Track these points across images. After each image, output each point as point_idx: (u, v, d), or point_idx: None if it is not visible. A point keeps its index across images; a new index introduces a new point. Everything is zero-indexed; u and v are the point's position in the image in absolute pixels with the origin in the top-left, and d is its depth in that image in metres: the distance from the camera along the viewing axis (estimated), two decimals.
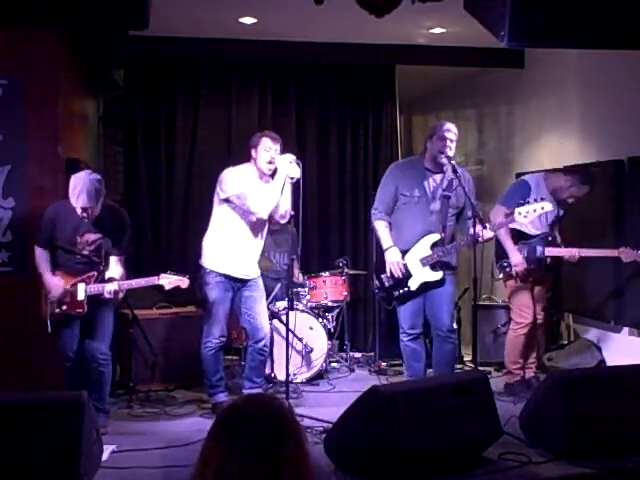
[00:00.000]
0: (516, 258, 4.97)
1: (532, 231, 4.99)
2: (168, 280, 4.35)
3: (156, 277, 4.36)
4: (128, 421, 4.67)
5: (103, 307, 4.38)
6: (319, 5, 3.34)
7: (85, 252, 4.34)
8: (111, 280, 4.34)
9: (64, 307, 4.31)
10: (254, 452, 1.48)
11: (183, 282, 4.38)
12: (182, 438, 4.14)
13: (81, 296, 4.29)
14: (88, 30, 4.94)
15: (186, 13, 5.51)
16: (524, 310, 5.12)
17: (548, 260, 5.10)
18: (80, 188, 4.13)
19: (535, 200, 4.52)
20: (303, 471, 1.51)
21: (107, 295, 4.27)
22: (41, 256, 4.36)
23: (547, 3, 3.26)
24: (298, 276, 5.90)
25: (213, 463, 1.48)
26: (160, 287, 4.41)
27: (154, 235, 6.57)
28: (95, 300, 4.31)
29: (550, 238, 5.06)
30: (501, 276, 5.17)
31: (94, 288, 4.30)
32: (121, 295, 4.38)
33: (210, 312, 4.69)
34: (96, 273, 4.33)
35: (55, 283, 4.29)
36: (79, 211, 4.20)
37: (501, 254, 5.10)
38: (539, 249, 4.99)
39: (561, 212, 5.11)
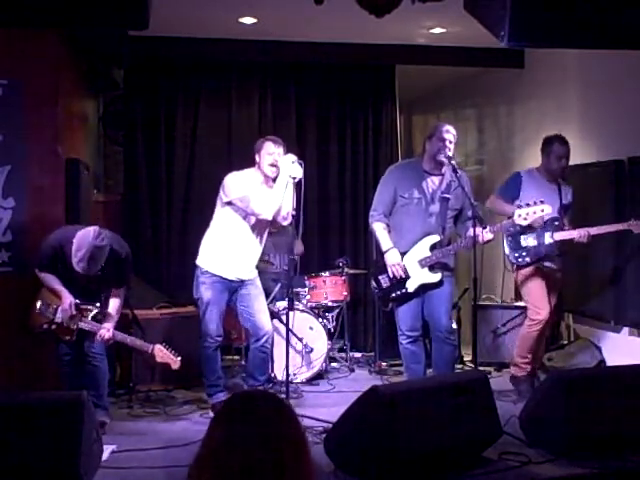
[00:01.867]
0: (511, 208, 4.86)
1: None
2: (161, 354, 4.37)
3: (151, 346, 4.38)
4: (128, 421, 4.66)
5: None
6: (319, 5, 3.34)
7: (83, 283, 4.30)
8: (107, 317, 4.33)
9: (54, 327, 4.29)
10: (252, 442, 1.48)
11: (174, 363, 4.39)
12: (182, 438, 4.14)
13: (74, 326, 4.28)
14: (88, 30, 4.94)
15: (186, 13, 5.51)
16: (538, 307, 5.05)
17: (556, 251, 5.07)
18: (83, 253, 3.99)
19: (535, 203, 4.55)
20: (303, 468, 1.51)
21: (99, 338, 4.26)
22: (48, 277, 4.32)
23: (547, 3, 3.26)
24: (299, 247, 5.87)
25: (212, 447, 1.49)
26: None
27: (154, 235, 6.57)
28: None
29: (557, 222, 5.02)
30: (514, 267, 5.14)
31: (88, 325, 4.28)
32: (111, 342, 4.36)
33: (205, 312, 4.69)
34: (93, 309, 4.32)
35: (67, 301, 4.24)
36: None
37: (511, 246, 5.08)
38: (548, 234, 4.97)
39: (569, 197, 5.11)
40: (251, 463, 1.45)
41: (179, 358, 4.40)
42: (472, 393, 3.75)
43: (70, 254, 4.07)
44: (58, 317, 4.28)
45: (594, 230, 4.87)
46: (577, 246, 5.02)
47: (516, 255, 5.05)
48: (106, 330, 4.26)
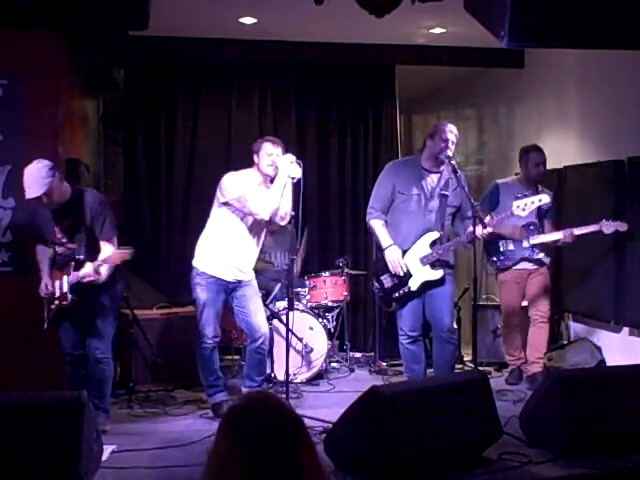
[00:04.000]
0: (506, 228, 5.14)
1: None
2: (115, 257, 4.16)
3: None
4: (128, 421, 4.66)
5: (102, 305, 4.37)
6: (319, 5, 3.35)
7: (64, 240, 4.29)
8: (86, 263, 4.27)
9: (56, 302, 4.30)
10: (270, 455, 1.47)
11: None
12: (182, 438, 4.13)
13: (65, 288, 4.26)
14: (88, 30, 4.94)
15: (186, 13, 5.51)
16: (507, 313, 5.45)
17: (540, 255, 5.28)
18: (29, 181, 4.09)
19: (532, 193, 4.68)
20: (313, 464, 1.51)
21: (87, 279, 4.17)
22: (39, 254, 4.39)
23: (547, 3, 3.27)
24: (298, 271, 5.92)
25: (237, 471, 1.47)
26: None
27: (154, 235, 6.57)
28: (93, 296, 4.31)
29: (532, 227, 5.26)
30: (494, 271, 5.50)
31: (73, 277, 4.26)
32: (105, 273, 4.22)
33: (202, 313, 4.67)
34: (73, 263, 4.29)
35: (43, 283, 4.30)
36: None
37: (490, 251, 5.39)
38: (524, 238, 5.23)
39: (548, 202, 5.14)
40: (267, 466, 1.46)
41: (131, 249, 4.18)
42: (472, 393, 3.75)
43: (41, 209, 4.25)
44: (56, 292, 4.27)
45: (577, 230, 5.10)
46: (562, 248, 5.36)
47: (494, 259, 5.37)
48: (84, 268, 4.16)
